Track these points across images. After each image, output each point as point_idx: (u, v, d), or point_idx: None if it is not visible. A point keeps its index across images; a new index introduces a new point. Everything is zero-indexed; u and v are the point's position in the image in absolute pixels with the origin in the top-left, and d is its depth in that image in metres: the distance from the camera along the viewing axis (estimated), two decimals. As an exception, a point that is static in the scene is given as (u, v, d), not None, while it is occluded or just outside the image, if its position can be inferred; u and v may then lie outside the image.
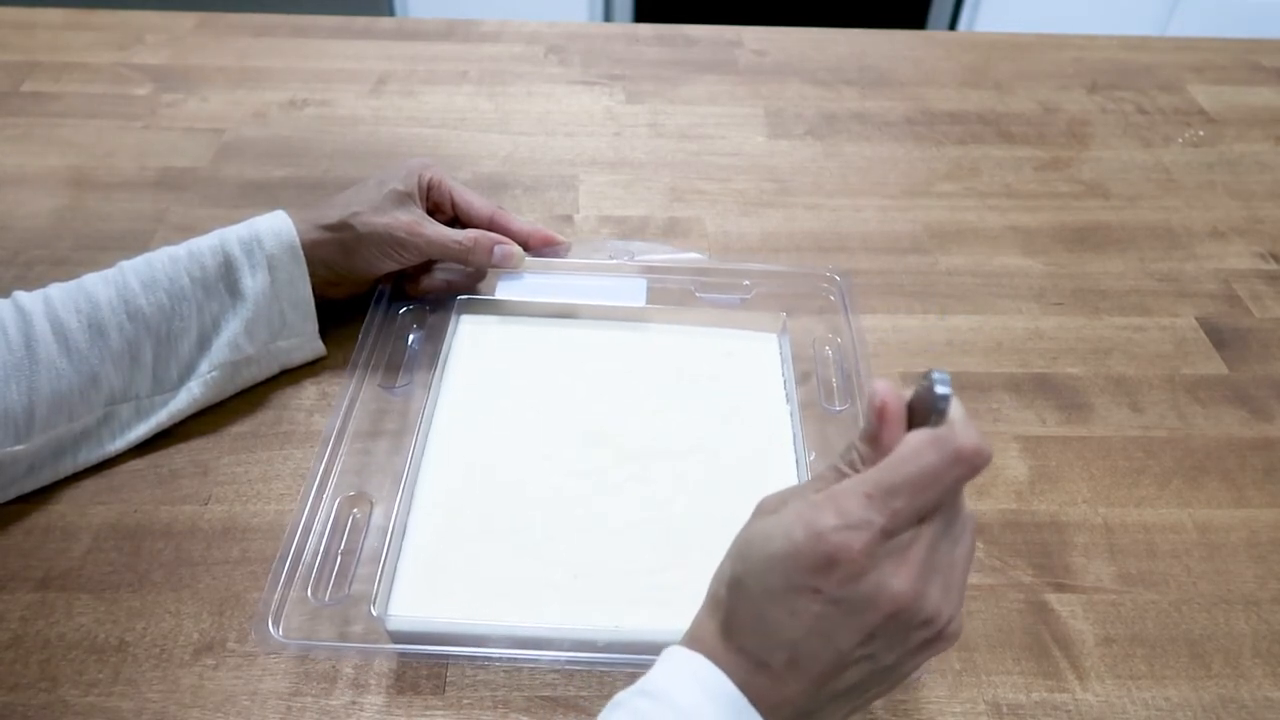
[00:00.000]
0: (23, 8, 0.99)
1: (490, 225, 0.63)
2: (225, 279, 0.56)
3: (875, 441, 0.36)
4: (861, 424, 0.37)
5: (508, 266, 0.62)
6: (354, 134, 0.84)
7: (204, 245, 0.56)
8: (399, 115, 0.87)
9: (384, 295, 0.63)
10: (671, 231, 0.75)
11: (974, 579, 0.51)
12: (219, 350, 0.56)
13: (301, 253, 0.57)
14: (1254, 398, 0.63)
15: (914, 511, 0.34)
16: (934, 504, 0.34)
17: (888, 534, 0.33)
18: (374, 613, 0.46)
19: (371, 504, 0.51)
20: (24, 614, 0.48)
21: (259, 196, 0.76)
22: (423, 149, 0.83)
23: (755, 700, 0.35)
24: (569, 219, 0.75)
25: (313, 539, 0.48)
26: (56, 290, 0.53)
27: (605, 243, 0.71)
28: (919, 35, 1.06)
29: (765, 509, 0.37)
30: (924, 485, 0.34)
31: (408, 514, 0.51)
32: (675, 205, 0.77)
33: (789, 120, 0.89)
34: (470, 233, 0.60)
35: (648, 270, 0.65)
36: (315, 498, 0.50)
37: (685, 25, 1.04)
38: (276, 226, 0.57)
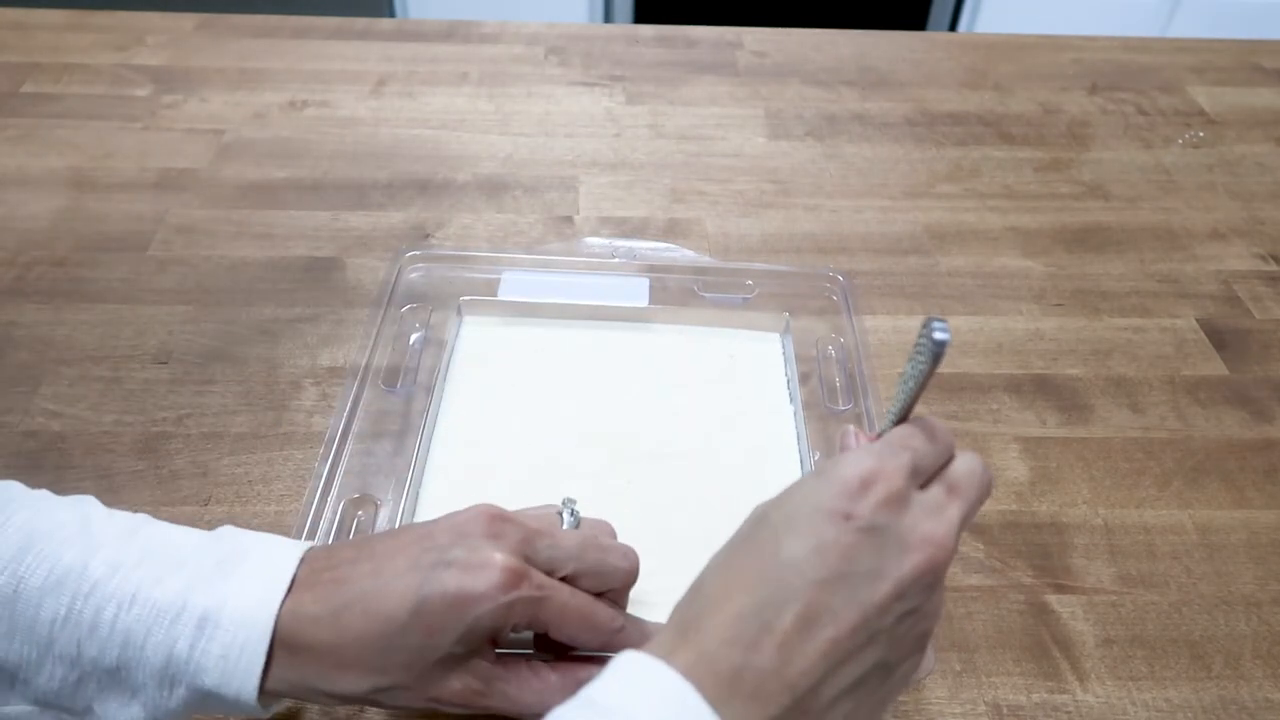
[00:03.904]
0: (22, 8, 0.99)
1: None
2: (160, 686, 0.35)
3: None
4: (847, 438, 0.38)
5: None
6: (354, 135, 0.84)
7: (154, 663, 0.34)
8: (399, 116, 0.87)
9: (386, 295, 0.63)
10: (672, 232, 0.75)
11: (974, 579, 0.52)
12: None
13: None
14: (1254, 399, 0.63)
15: (932, 454, 0.35)
16: (940, 458, 0.35)
17: (917, 471, 0.34)
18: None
19: (377, 506, 0.51)
20: (25, 615, 0.48)
21: (259, 197, 0.76)
22: (423, 150, 0.83)
23: (748, 690, 0.30)
24: (569, 220, 0.75)
25: (318, 541, 0.48)
26: None
27: (612, 244, 0.71)
28: (919, 36, 1.06)
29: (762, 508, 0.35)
30: (929, 434, 0.35)
31: (412, 516, 0.51)
32: (675, 206, 0.77)
33: (789, 121, 0.89)
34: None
35: (650, 270, 0.65)
36: (320, 500, 0.49)
37: (685, 26, 1.04)
38: (242, 685, 0.34)
